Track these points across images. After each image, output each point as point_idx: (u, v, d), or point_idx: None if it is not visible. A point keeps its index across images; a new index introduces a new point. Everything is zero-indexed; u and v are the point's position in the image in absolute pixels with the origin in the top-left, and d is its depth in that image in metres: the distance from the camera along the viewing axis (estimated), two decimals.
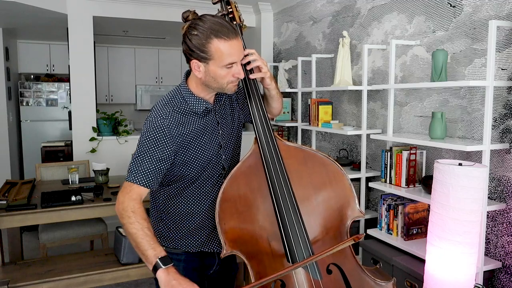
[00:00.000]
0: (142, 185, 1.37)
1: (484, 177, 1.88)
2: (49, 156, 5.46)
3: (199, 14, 1.41)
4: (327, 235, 1.45)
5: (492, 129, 2.33)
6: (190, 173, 1.49)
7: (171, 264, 1.25)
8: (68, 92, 5.77)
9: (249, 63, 1.50)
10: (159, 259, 1.24)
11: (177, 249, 1.55)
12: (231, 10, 1.57)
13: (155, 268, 1.24)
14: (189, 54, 1.39)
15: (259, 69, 1.52)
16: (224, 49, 1.33)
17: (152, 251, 1.26)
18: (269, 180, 1.42)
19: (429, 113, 2.72)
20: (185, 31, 1.38)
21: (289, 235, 1.37)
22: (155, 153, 1.39)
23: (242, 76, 1.41)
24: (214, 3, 1.63)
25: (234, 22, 1.57)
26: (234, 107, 1.63)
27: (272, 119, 4.22)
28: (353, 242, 1.32)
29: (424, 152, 2.73)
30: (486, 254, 2.36)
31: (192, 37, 1.35)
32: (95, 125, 4.49)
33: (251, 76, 1.51)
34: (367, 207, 3.39)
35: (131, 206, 1.34)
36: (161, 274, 1.23)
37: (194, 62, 1.39)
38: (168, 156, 1.41)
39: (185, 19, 1.40)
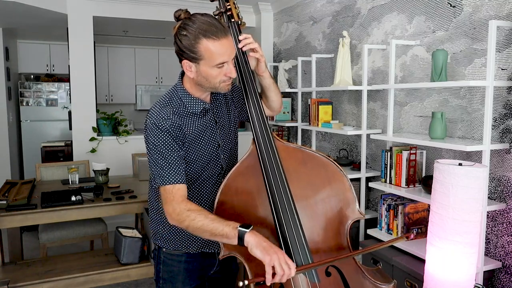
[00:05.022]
0: (179, 183, 1.38)
1: (484, 177, 1.88)
2: (49, 156, 5.46)
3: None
4: (326, 237, 1.44)
5: (492, 129, 2.33)
6: (190, 173, 1.49)
7: (252, 227, 1.26)
8: (68, 92, 5.76)
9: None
10: (239, 227, 1.25)
11: (178, 251, 1.55)
12: (229, 7, 1.56)
13: (240, 238, 1.24)
14: (180, 55, 1.40)
15: (254, 52, 1.52)
16: (214, 49, 1.34)
17: (228, 227, 1.27)
18: (266, 181, 1.41)
19: (429, 113, 2.72)
20: (175, 32, 1.38)
21: (287, 237, 1.36)
22: (173, 150, 1.40)
23: (234, 75, 1.41)
24: (212, 0, 1.62)
25: (233, 20, 1.56)
26: (230, 107, 1.63)
27: (272, 118, 4.18)
28: (405, 239, 1.37)
29: (424, 152, 2.73)
30: (486, 254, 2.36)
31: (182, 38, 1.35)
32: (95, 125, 4.49)
33: (252, 54, 1.51)
34: (367, 207, 3.39)
35: (183, 208, 1.35)
36: (249, 238, 1.23)
37: (186, 63, 1.39)
38: (182, 152, 1.43)
39: (177, 18, 1.40)
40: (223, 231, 1.27)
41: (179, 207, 1.35)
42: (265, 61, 1.56)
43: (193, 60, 1.37)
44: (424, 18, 2.79)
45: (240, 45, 1.51)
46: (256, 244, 1.22)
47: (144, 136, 1.45)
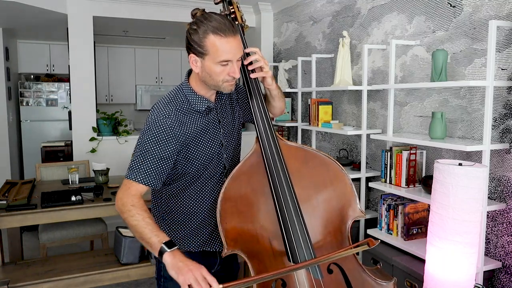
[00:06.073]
0: (141, 183, 1.40)
1: (484, 177, 1.88)
2: (49, 156, 5.46)
3: None
4: (328, 235, 1.45)
5: (492, 129, 2.33)
6: (192, 171, 1.50)
7: (176, 247, 1.28)
8: (68, 92, 5.76)
9: (251, 63, 1.51)
10: (164, 243, 1.27)
11: (179, 249, 1.56)
12: (233, 10, 1.59)
13: (161, 253, 1.26)
14: (188, 48, 1.42)
15: (260, 68, 1.53)
16: (220, 45, 1.35)
17: (156, 237, 1.29)
18: (270, 179, 1.42)
19: (429, 113, 2.72)
20: (188, 27, 1.41)
21: (290, 234, 1.38)
22: (157, 151, 1.40)
23: (237, 75, 1.42)
24: (216, 3, 1.64)
25: (236, 22, 1.58)
26: (235, 107, 1.64)
27: (273, 119, 4.20)
28: (367, 247, 1.33)
29: (424, 152, 2.73)
30: (486, 254, 2.36)
31: (192, 32, 1.39)
32: (95, 125, 4.49)
33: (252, 76, 1.51)
34: (367, 207, 3.39)
35: (129, 201, 1.38)
36: (167, 258, 1.26)
37: (192, 57, 1.42)
38: (171, 155, 1.42)
39: (193, 16, 1.44)
40: (150, 239, 1.29)
41: (127, 198, 1.38)
42: (271, 76, 1.56)
43: (199, 54, 1.39)
44: (424, 18, 2.80)
45: (245, 62, 1.52)
46: (172, 265, 1.25)
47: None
